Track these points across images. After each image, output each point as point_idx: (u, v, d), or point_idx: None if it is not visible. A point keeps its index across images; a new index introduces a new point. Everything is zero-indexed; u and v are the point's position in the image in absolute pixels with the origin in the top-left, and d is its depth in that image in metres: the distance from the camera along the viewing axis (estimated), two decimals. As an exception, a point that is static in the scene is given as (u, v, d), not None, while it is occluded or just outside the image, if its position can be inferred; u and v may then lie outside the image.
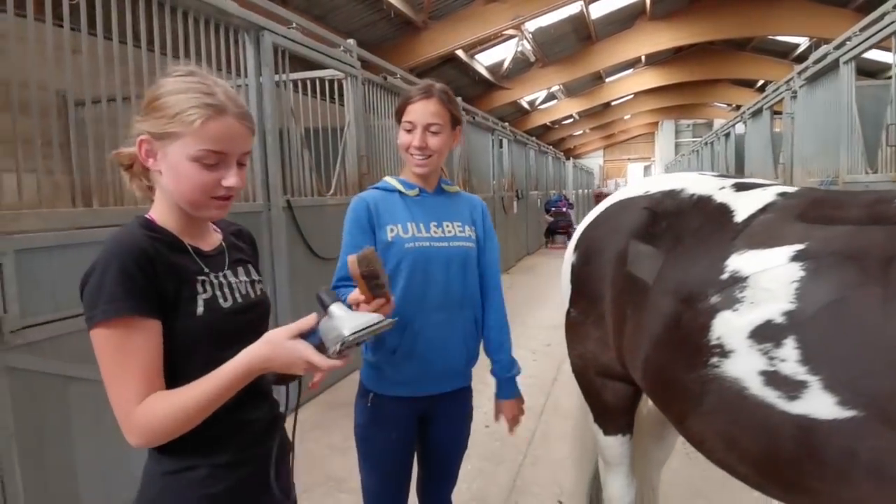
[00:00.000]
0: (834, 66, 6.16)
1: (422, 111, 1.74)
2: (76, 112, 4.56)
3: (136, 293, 1.03)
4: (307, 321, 1.11)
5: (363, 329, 1.09)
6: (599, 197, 34.96)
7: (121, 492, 2.92)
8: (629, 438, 2.02)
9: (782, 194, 1.49)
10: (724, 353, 1.31)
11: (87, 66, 2.96)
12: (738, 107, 21.04)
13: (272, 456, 1.20)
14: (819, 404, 1.17)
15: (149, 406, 1.03)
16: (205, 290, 1.13)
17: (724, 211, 1.50)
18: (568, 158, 25.32)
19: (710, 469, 3.27)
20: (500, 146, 11.61)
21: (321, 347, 1.09)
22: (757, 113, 10.17)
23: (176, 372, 1.09)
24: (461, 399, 1.89)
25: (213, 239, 1.24)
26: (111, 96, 3.17)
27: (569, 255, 1.98)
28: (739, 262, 1.35)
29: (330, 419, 3.98)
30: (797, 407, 1.20)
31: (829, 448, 1.17)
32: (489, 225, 1.98)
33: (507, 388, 1.91)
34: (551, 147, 20.05)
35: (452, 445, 1.91)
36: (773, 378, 1.23)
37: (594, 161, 38.93)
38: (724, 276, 1.36)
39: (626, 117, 33.00)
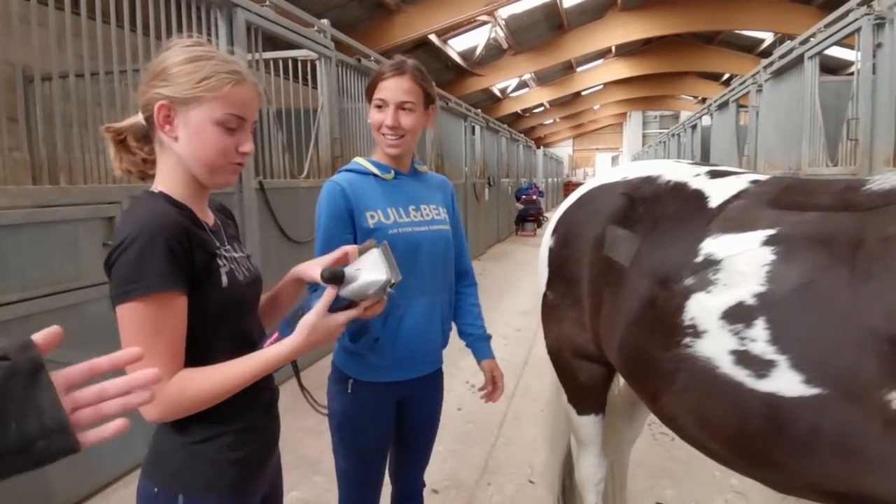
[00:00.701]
0: (798, 61, 6.31)
1: (394, 88, 1.66)
2: (42, 88, 4.40)
3: (178, 268, 1.05)
4: (329, 295, 1.14)
5: (387, 263, 1.16)
6: (569, 186, 35.36)
7: (90, 478, 2.89)
8: (601, 418, 2.08)
9: (755, 182, 1.54)
10: (696, 333, 1.36)
11: (53, 40, 2.88)
12: (704, 99, 21.44)
13: (276, 424, 1.32)
14: (786, 382, 1.23)
15: (182, 382, 1.05)
16: (224, 264, 1.16)
17: (700, 196, 1.55)
18: (538, 147, 25.47)
19: (675, 450, 3.43)
20: (473, 133, 11.63)
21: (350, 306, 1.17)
22: (723, 105, 10.37)
23: (201, 344, 1.11)
24: (436, 381, 1.90)
25: (210, 214, 1.26)
26: (78, 71, 3.09)
27: (546, 239, 2.01)
28: (714, 245, 1.40)
29: (301, 403, 3.94)
30: (766, 385, 1.25)
31: (795, 424, 1.23)
32: (456, 205, 1.97)
33: (489, 349, 1.92)
34: (522, 135, 20.14)
35: (427, 426, 1.92)
36: (743, 357, 1.29)
37: (564, 150, 39.24)
38: (699, 258, 1.41)
39: (596, 107, 33.30)
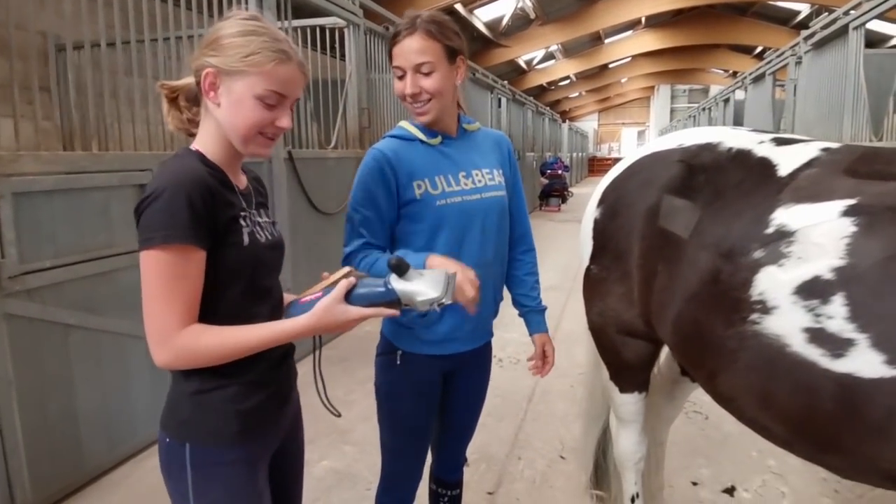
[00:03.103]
0: (842, 32, 6.07)
1: (407, 51, 1.51)
2: (73, 57, 4.38)
3: (198, 223, 1.09)
4: (347, 283, 1.18)
5: (447, 287, 1.18)
6: (594, 161, 34.91)
7: (125, 439, 2.92)
8: (644, 396, 2.01)
9: (826, 149, 1.44)
10: (765, 308, 1.28)
11: (85, 10, 2.83)
12: (736, 73, 20.86)
13: (291, 374, 1.36)
14: (865, 363, 1.14)
15: (194, 334, 1.10)
16: (247, 225, 1.21)
17: (767, 165, 1.45)
18: (564, 121, 25.08)
19: (709, 428, 3.36)
20: (499, 105, 11.43)
21: (375, 304, 1.18)
22: (759, 78, 10.06)
23: (215, 299, 1.15)
24: (485, 353, 1.84)
25: (243, 179, 1.30)
26: (110, 40, 3.05)
27: (591, 210, 1.92)
28: (786, 216, 1.31)
29: (330, 374, 3.94)
30: (841, 365, 1.17)
31: (871, 407, 1.15)
32: (515, 163, 1.83)
33: (544, 322, 1.85)
34: (548, 108, 19.81)
35: (475, 399, 1.87)
36: (817, 335, 1.21)
37: (589, 125, 38.63)
38: (770, 230, 1.31)
39: (623, 80, 32.62)
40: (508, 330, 5.43)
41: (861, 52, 5.66)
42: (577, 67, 25.49)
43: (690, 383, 2.19)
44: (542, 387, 3.97)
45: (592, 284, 1.93)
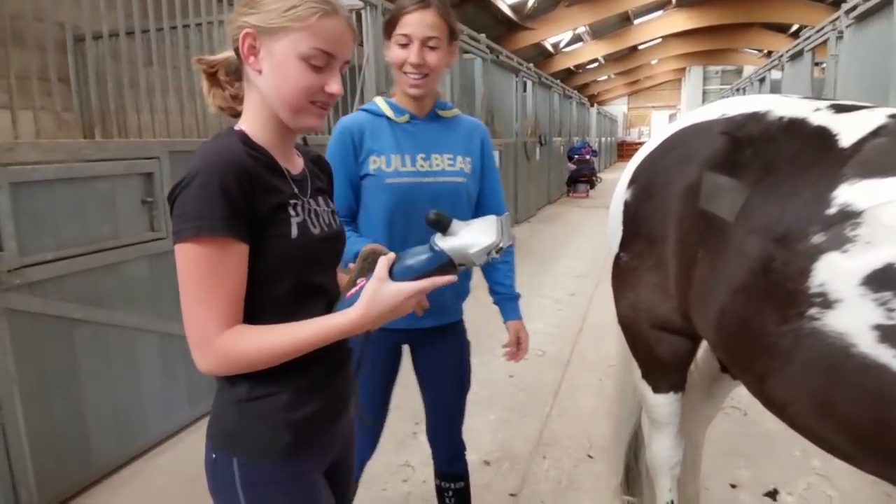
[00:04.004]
0: (886, 3, 5.70)
1: (418, 23, 1.54)
2: (76, 46, 4.32)
3: (235, 213, 0.96)
4: (388, 260, 1.06)
5: (501, 228, 1.05)
6: (623, 146, 34.29)
7: (135, 437, 2.83)
8: (680, 396, 1.83)
9: (894, 116, 1.23)
10: (827, 302, 1.09)
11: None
12: (770, 53, 20.16)
13: (347, 383, 1.21)
14: (951, 367, 0.96)
15: (237, 336, 0.98)
16: (297, 214, 1.07)
17: (826, 135, 1.25)
18: (592, 105, 24.61)
19: (749, 426, 3.14)
20: (524, 89, 11.16)
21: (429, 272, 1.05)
22: (796, 56, 9.62)
23: (261, 299, 1.03)
24: (451, 331, 1.84)
25: (298, 162, 1.17)
26: (112, 30, 2.96)
27: (620, 191, 1.74)
28: (851, 194, 1.12)
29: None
30: (922, 369, 0.98)
31: (957, 419, 0.97)
32: (489, 153, 1.81)
33: (516, 309, 1.88)
34: (575, 91, 19.42)
35: (442, 376, 1.87)
36: (890, 334, 1.02)
37: (618, 108, 37.88)
38: (832, 210, 1.12)
39: (653, 62, 31.89)
40: (532, 321, 5.27)
41: (908, 25, 5.30)
42: (605, 49, 25.01)
43: (731, 380, 2.00)
44: (570, 381, 3.80)
45: (623, 274, 1.75)
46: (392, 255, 1.07)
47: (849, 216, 1.10)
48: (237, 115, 1.14)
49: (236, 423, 1.07)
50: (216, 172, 0.96)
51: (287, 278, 1.06)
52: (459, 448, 1.95)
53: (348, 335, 1.04)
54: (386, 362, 1.82)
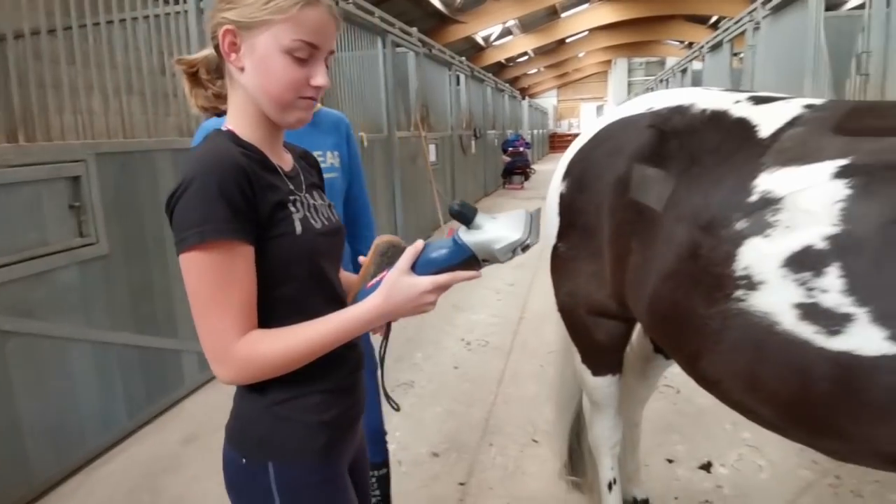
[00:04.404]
0: (801, -6, 6.02)
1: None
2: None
3: (238, 214, 0.93)
4: (414, 251, 1.02)
5: (529, 224, 1.01)
6: (554, 137, 34.94)
7: (74, 449, 2.72)
8: (618, 378, 1.91)
9: (809, 106, 1.32)
10: (751, 284, 1.16)
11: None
12: (691, 44, 20.96)
13: (373, 379, 1.25)
14: (865, 339, 1.04)
15: (254, 342, 0.95)
16: (297, 210, 1.04)
17: (746, 126, 1.32)
18: (523, 98, 24.96)
19: (682, 403, 3.29)
20: (458, 83, 11.22)
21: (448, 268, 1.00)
22: (716, 47, 10.04)
23: (271, 301, 1.00)
24: None
25: (288, 158, 1.14)
26: (34, 29, 2.80)
27: (556, 184, 1.78)
28: (770, 181, 1.19)
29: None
30: (838, 343, 1.06)
31: (872, 387, 1.05)
32: (354, 144, 1.79)
33: None
34: (507, 85, 19.64)
35: None
36: (810, 311, 1.09)
37: (548, 101, 38.58)
38: (753, 198, 1.19)
39: (580, 55, 32.60)
40: (476, 311, 5.33)
41: (822, 14, 5.62)
42: (534, 43, 25.36)
43: (664, 360, 2.10)
44: (512, 369, 3.86)
45: (561, 264, 1.79)
46: (420, 244, 1.03)
47: (769, 203, 1.17)
48: (222, 114, 1.11)
49: (270, 428, 1.04)
50: (213, 175, 0.93)
51: (295, 277, 1.03)
52: (379, 438, 1.94)
53: (368, 326, 1.01)
54: None
